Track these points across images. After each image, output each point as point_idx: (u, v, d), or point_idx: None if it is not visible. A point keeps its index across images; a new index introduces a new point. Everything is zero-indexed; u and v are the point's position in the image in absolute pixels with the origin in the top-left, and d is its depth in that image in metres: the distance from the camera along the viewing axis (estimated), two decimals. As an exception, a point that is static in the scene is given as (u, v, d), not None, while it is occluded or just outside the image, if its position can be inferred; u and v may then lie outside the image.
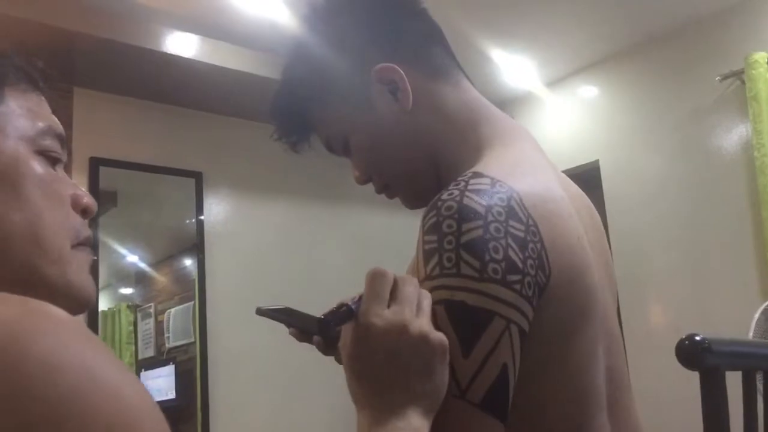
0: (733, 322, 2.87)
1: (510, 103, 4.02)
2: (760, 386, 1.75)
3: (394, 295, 0.74)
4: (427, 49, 0.99)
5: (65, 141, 0.67)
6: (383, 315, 0.72)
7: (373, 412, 0.70)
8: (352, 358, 0.73)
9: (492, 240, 0.75)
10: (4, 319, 0.42)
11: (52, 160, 0.65)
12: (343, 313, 0.74)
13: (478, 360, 0.74)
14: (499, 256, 0.75)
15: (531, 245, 0.78)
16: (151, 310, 3.30)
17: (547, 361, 0.81)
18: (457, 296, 0.75)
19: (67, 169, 0.70)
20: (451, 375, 0.73)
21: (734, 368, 0.89)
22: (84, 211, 0.67)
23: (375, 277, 0.75)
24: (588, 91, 3.79)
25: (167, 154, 3.17)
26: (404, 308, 0.72)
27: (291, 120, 1.03)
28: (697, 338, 0.83)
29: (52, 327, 0.43)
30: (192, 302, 3.23)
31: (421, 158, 0.98)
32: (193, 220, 3.30)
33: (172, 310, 3.29)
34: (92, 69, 2.79)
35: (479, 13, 3.07)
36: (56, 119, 0.66)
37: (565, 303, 0.81)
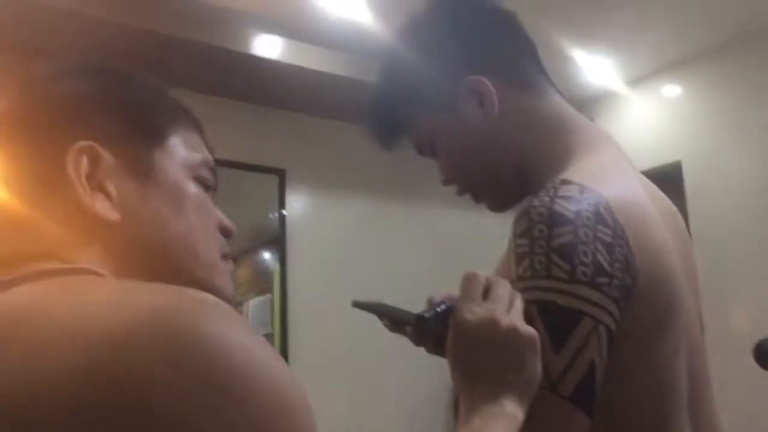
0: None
1: (591, 103, 3.98)
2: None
3: (486, 295, 0.80)
4: (517, 62, 1.03)
5: (217, 175, 0.76)
6: (476, 312, 0.78)
7: (471, 400, 0.76)
8: (452, 352, 0.80)
9: (581, 244, 0.80)
10: (179, 306, 0.48)
11: (205, 187, 0.74)
12: (442, 311, 0.81)
13: (568, 356, 0.78)
14: (588, 260, 0.79)
15: (618, 249, 0.81)
16: (232, 301, 3.40)
17: (632, 360, 0.84)
18: (549, 297, 0.79)
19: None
20: (543, 369, 0.78)
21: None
22: (225, 233, 0.76)
23: (469, 279, 0.81)
24: (671, 90, 3.72)
25: (253, 152, 3.28)
26: (496, 306, 0.78)
27: (384, 122, 1.09)
28: (774, 342, 0.85)
29: (220, 313, 0.49)
30: (270, 294, 3.33)
31: (507, 166, 1.02)
32: (276, 215, 3.40)
33: (251, 301, 3.38)
34: (183, 70, 2.91)
35: (559, 13, 3.05)
36: (211, 156, 0.76)
37: (650, 305, 0.84)
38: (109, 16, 2.53)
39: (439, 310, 0.82)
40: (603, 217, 0.82)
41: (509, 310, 0.78)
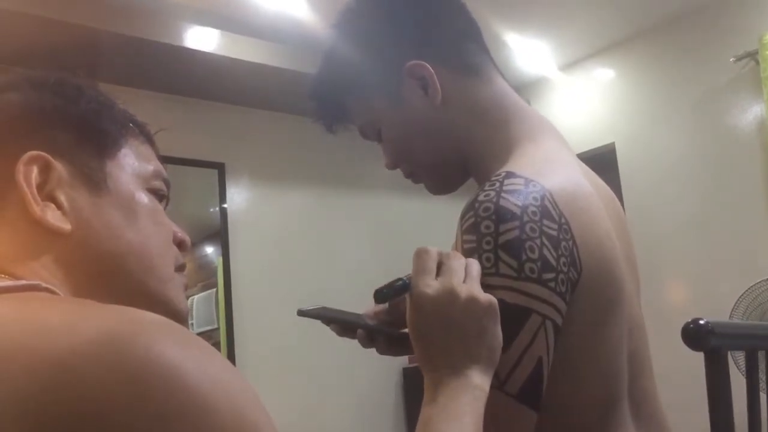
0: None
1: (526, 87, 4.04)
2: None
3: (440, 268, 0.79)
4: (460, 46, 1.02)
5: (170, 186, 0.76)
6: (432, 285, 0.77)
7: (436, 374, 0.76)
8: (412, 327, 0.78)
9: (528, 240, 0.79)
10: (132, 329, 0.47)
11: (159, 198, 0.74)
12: (399, 286, 0.79)
13: (516, 354, 0.79)
14: (535, 256, 0.79)
15: (563, 243, 0.82)
16: (176, 297, 3.36)
17: (578, 350, 0.85)
18: (497, 294, 0.79)
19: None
20: None
21: (737, 348, 0.95)
22: (180, 245, 0.75)
23: (420, 254, 0.80)
24: (603, 73, 3.80)
25: (191, 146, 3.23)
26: (451, 277, 0.77)
27: (328, 106, 1.08)
28: (701, 322, 0.89)
29: (173, 334, 0.48)
30: (214, 289, 3.30)
31: (449, 151, 1.02)
32: (217, 209, 3.37)
33: (196, 297, 3.34)
34: (116, 65, 2.86)
35: (493, -1, 3.09)
36: (163, 167, 0.76)
37: (595, 296, 0.85)
38: (35, 11, 2.46)
39: (395, 285, 0.80)
40: (548, 210, 0.82)
41: (465, 280, 0.77)
